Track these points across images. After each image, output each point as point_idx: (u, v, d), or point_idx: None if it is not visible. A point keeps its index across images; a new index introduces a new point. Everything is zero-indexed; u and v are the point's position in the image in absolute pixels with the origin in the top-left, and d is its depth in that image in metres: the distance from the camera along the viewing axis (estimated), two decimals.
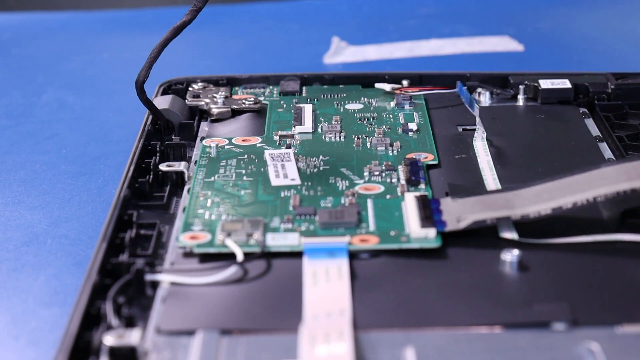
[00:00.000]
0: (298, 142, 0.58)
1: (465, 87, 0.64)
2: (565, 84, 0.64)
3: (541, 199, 0.48)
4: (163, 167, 0.55)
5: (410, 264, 0.46)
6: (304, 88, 0.66)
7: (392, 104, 0.63)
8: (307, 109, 0.62)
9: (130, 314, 0.43)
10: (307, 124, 0.60)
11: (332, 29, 0.87)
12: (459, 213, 0.48)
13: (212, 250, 0.47)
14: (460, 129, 0.60)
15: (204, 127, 0.62)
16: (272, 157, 0.55)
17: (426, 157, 0.56)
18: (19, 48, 0.87)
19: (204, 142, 0.58)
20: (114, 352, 0.40)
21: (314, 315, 0.42)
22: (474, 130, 0.59)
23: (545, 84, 0.63)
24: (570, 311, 0.42)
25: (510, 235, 0.48)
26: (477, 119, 0.59)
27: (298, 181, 0.53)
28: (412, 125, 0.59)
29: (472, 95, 0.61)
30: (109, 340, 0.40)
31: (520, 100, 0.64)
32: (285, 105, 0.63)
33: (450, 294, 0.44)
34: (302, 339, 0.40)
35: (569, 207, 0.47)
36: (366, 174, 0.54)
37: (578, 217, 0.49)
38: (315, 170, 0.55)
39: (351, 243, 0.47)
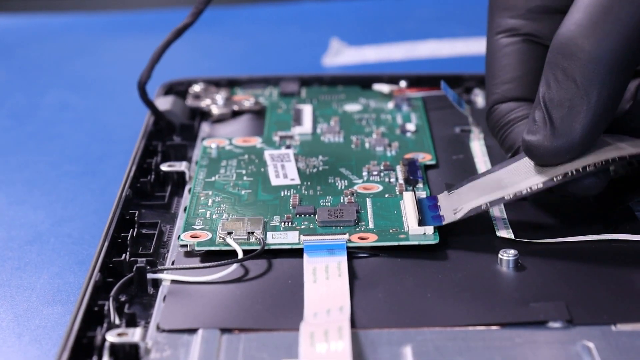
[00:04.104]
0: (297, 142, 0.59)
1: (465, 89, 0.64)
2: None
3: (532, 173, 0.48)
4: (164, 167, 0.55)
5: (408, 263, 0.47)
6: (303, 89, 0.67)
7: (391, 105, 0.64)
8: (307, 110, 0.63)
9: (132, 312, 0.43)
10: (307, 125, 0.61)
11: (331, 31, 0.87)
12: (455, 205, 0.49)
13: (212, 248, 0.48)
14: (458, 129, 0.60)
15: (205, 127, 0.62)
16: (272, 158, 0.56)
17: (424, 157, 0.56)
18: (22, 50, 0.87)
19: (204, 142, 0.59)
20: (116, 349, 0.40)
21: (314, 313, 0.43)
22: (471, 131, 0.59)
23: None
24: (567, 310, 0.43)
25: (507, 234, 0.48)
26: (470, 118, 0.60)
27: (298, 181, 0.54)
28: (410, 126, 0.60)
29: (459, 96, 0.61)
30: (111, 337, 0.40)
31: None
32: (284, 106, 0.64)
33: (447, 293, 0.44)
34: (302, 337, 0.41)
35: (559, 180, 0.47)
36: (365, 173, 0.54)
37: (575, 216, 0.50)
38: (315, 170, 0.55)
39: (350, 240, 0.48)
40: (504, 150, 0.51)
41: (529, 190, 0.47)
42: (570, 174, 0.46)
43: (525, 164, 0.48)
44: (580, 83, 0.45)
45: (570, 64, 0.45)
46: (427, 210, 0.49)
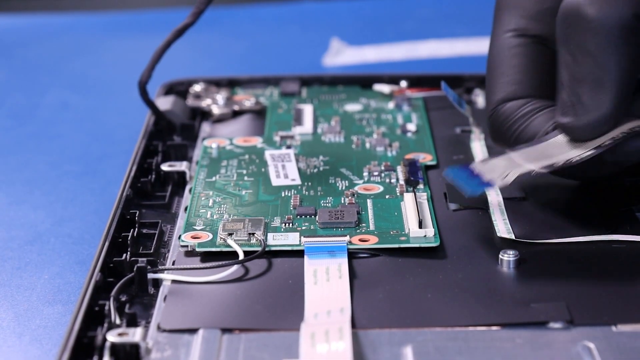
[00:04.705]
0: (298, 142, 0.59)
1: (465, 90, 0.64)
2: None
3: (578, 144, 0.47)
4: (165, 167, 0.55)
5: (409, 264, 0.47)
6: (303, 89, 0.67)
7: (391, 105, 0.64)
8: (307, 109, 0.63)
9: (132, 312, 0.43)
10: (307, 125, 0.61)
11: (332, 31, 0.87)
12: (500, 171, 0.47)
13: (213, 249, 0.48)
14: (458, 130, 0.60)
15: (205, 127, 0.62)
16: (273, 158, 0.56)
17: (425, 158, 0.56)
18: (22, 49, 0.87)
19: (205, 142, 0.59)
20: (116, 349, 0.41)
21: (315, 313, 0.43)
22: (472, 131, 0.59)
23: None
24: (567, 311, 0.43)
25: (508, 234, 0.48)
26: (470, 118, 0.60)
27: (298, 181, 0.54)
28: (411, 126, 0.60)
29: (459, 96, 0.61)
30: (112, 337, 0.40)
31: None
32: (285, 106, 0.64)
33: (448, 294, 0.44)
34: (303, 338, 0.41)
35: (608, 144, 0.46)
36: (365, 174, 0.54)
37: (575, 217, 0.50)
38: (316, 170, 0.55)
39: (351, 242, 0.48)
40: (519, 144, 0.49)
41: (579, 158, 0.46)
42: (618, 136, 0.46)
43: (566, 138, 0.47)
44: (597, 54, 0.44)
45: (582, 36, 0.44)
46: (468, 180, 0.47)
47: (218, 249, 0.48)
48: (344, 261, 0.46)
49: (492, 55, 0.52)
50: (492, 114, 0.51)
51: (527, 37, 0.51)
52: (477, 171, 0.47)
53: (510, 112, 0.50)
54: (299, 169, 0.55)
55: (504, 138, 0.51)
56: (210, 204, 0.52)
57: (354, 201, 0.52)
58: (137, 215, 0.50)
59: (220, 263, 0.46)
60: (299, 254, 0.47)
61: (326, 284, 0.45)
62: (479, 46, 0.83)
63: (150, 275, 0.46)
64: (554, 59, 0.49)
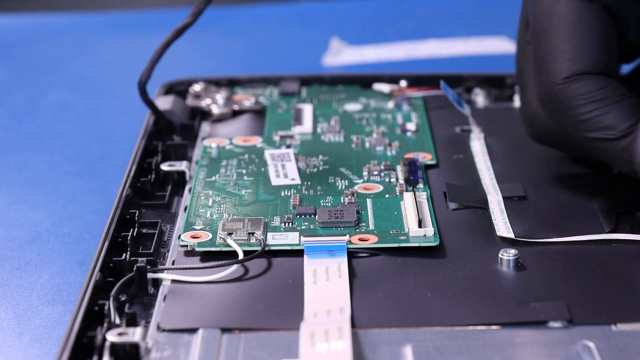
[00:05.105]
0: (298, 142, 0.59)
1: (465, 89, 0.64)
2: None
3: None
4: (165, 166, 0.55)
5: (408, 263, 0.47)
6: (303, 89, 0.67)
7: (391, 104, 0.64)
8: (307, 109, 0.63)
9: (132, 312, 0.43)
10: (307, 124, 0.61)
11: (332, 31, 0.87)
12: None
13: (213, 249, 0.48)
14: (458, 129, 0.60)
15: (205, 127, 0.62)
16: (273, 157, 0.56)
17: (424, 157, 0.56)
18: (22, 49, 0.87)
19: (204, 142, 0.59)
20: (116, 349, 0.41)
21: (315, 313, 0.43)
22: (472, 130, 0.59)
23: None
24: (567, 310, 0.43)
25: (508, 234, 0.48)
26: (470, 118, 0.60)
27: (298, 181, 0.54)
28: (411, 126, 0.60)
29: (458, 96, 0.61)
30: (112, 337, 0.40)
31: (517, 101, 0.64)
32: (285, 106, 0.64)
33: (448, 293, 0.44)
34: (302, 337, 0.41)
35: None
36: (365, 173, 0.54)
37: (575, 216, 0.50)
38: (315, 170, 0.55)
39: (350, 242, 0.48)
40: (589, 130, 0.46)
41: None
42: None
43: None
44: None
45: None
46: None
47: (218, 249, 0.48)
48: (343, 261, 0.46)
49: (547, 15, 0.46)
50: (562, 87, 0.45)
51: (593, 1, 0.46)
52: None
53: (584, 91, 0.45)
54: (299, 169, 0.55)
55: (562, 117, 0.46)
56: (209, 204, 0.52)
57: (353, 200, 0.52)
58: (136, 215, 0.50)
59: (219, 263, 0.46)
60: (299, 253, 0.47)
61: (326, 284, 0.45)
62: (479, 46, 0.83)
63: (150, 275, 0.46)
64: (616, 30, 0.45)
